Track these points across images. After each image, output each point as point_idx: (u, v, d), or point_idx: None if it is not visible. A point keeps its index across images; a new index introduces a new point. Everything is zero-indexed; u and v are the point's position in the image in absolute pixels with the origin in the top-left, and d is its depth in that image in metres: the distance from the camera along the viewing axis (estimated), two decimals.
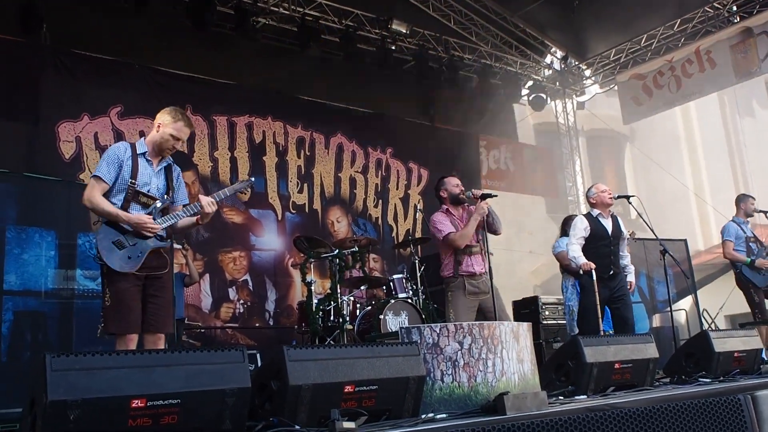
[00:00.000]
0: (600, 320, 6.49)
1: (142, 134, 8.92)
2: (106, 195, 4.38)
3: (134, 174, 4.41)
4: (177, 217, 4.52)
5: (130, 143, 4.57)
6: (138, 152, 4.48)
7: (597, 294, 6.41)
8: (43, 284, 6.68)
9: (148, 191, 4.47)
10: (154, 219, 4.43)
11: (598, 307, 6.44)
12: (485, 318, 5.82)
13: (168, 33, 9.28)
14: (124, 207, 4.38)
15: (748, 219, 8.38)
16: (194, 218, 4.60)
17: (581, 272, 6.52)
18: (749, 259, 8.02)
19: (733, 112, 19.03)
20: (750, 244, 8.15)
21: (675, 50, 12.00)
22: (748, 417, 3.61)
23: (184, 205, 4.61)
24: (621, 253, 6.78)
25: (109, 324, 4.27)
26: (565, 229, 7.76)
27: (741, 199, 8.44)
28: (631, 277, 6.83)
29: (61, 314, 6.76)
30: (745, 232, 8.19)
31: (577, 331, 7.16)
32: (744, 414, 3.61)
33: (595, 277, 6.43)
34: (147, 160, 4.51)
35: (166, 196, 4.56)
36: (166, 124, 4.53)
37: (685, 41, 11.89)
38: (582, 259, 6.50)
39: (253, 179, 5.11)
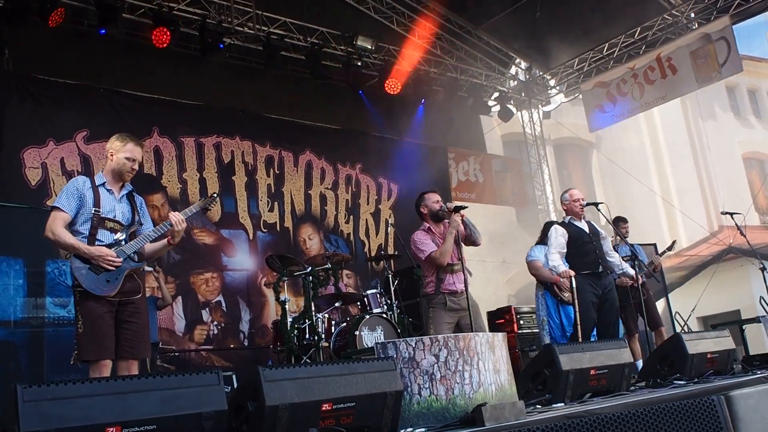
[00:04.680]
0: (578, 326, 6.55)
1: None
2: (72, 225, 4.39)
3: (97, 202, 4.44)
4: (147, 239, 4.54)
5: (88, 177, 4.61)
6: (97, 183, 4.53)
7: (575, 299, 6.48)
8: (12, 313, 6.58)
9: (114, 217, 4.50)
10: (124, 242, 4.44)
11: (578, 313, 6.50)
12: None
13: (132, 55, 9.23)
14: (92, 234, 4.38)
15: (626, 239, 8.51)
16: (165, 241, 4.62)
17: (570, 280, 6.59)
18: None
19: (696, 117, 19.35)
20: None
21: (637, 57, 12.18)
22: (722, 417, 3.65)
23: (155, 227, 4.61)
24: (608, 251, 6.87)
25: (83, 351, 4.24)
26: (543, 236, 7.77)
27: (615, 222, 8.57)
28: (631, 271, 6.92)
29: (31, 343, 6.66)
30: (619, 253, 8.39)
31: (548, 341, 7.20)
32: (718, 414, 3.65)
33: (575, 285, 6.49)
34: (107, 190, 4.55)
35: (132, 221, 4.58)
36: (117, 149, 4.58)
37: (646, 48, 12.08)
38: (561, 267, 6.57)
39: (216, 194, 5.11)
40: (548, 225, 7.75)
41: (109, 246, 4.40)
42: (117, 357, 4.33)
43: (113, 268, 4.31)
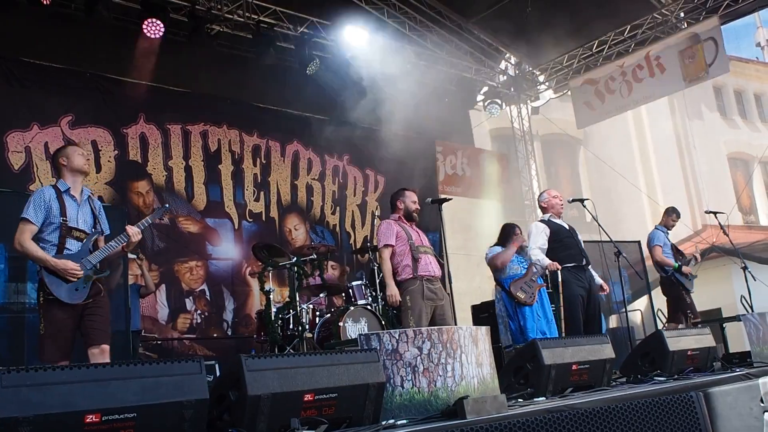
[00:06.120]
0: (561, 323, 6.57)
1: (94, 144, 8.79)
2: (41, 234, 4.60)
3: (63, 212, 4.65)
4: (109, 249, 4.77)
5: (52, 186, 4.81)
6: (62, 190, 4.73)
7: (560, 293, 6.52)
8: None
9: (78, 226, 4.74)
10: (90, 251, 4.69)
11: (561, 304, 6.54)
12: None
13: (120, 40, 9.15)
14: (61, 242, 4.61)
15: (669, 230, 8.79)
16: (120, 248, 4.84)
17: (547, 272, 6.64)
18: (677, 264, 8.35)
19: (683, 116, 19.45)
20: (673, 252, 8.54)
21: (626, 56, 12.23)
22: (700, 413, 3.68)
23: (114, 239, 4.81)
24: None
25: (44, 351, 4.48)
26: (502, 237, 7.40)
27: (667, 212, 8.88)
28: (599, 279, 6.97)
29: (11, 328, 6.59)
30: (669, 241, 8.59)
31: (510, 341, 7.12)
32: (697, 410, 3.68)
33: (560, 279, 6.54)
34: (71, 197, 4.75)
35: (94, 228, 4.82)
36: (63, 154, 4.84)
37: (635, 47, 12.12)
38: (546, 261, 6.61)
39: (168, 206, 5.41)
40: (507, 227, 7.48)
41: (76, 255, 4.61)
42: (88, 345, 4.60)
43: (75, 280, 4.54)
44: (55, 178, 7.39)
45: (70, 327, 4.56)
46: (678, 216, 8.86)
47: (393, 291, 5.91)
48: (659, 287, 8.83)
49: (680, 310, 8.41)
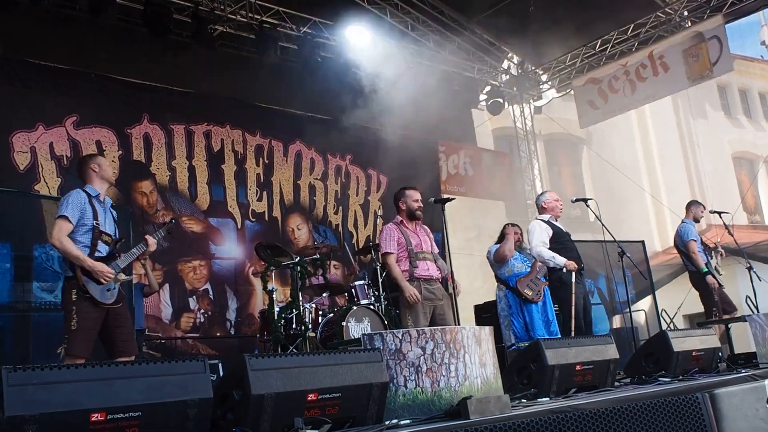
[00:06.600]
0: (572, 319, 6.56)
1: (98, 144, 8.80)
2: (74, 234, 4.84)
3: (95, 216, 4.93)
4: (133, 256, 5.16)
5: (81, 190, 5.05)
6: (92, 195, 5.01)
7: (573, 294, 6.51)
8: None
9: (106, 230, 5.03)
10: (118, 256, 5.02)
11: (573, 305, 6.52)
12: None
13: (124, 41, 9.17)
14: (93, 245, 4.88)
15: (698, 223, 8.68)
16: (138, 254, 5.22)
17: (564, 270, 6.61)
18: (705, 269, 8.19)
19: (687, 115, 19.40)
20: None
21: (629, 55, 12.21)
22: (706, 415, 3.67)
23: (136, 246, 5.23)
24: None
25: (74, 346, 4.68)
26: (502, 237, 7.38)
27: (693, 204, 8.74)
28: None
29: (17, 327, 6.62)
30: (698, 235, 8.43)
31: (513, 339, 7.09)
32: (702, 412, 3.67)
33: (574, 279, 6.53)
34: (99, 202, 5.06)
35: (115, 233, 5.13)
36: (98, 161, 5.20)
37: (638, 46, 12.11)
38: (562, 259, 6.58)
39: (173, 220, 5.94)
40: (505, 227, 7.49)
41: (106, 258, 4.92)
42: (117, 355, 4.85)
43: (105, 283, 4.82)
44: (61, 177, 7.45)
45: (99, 326, 4.82)
46: (704, 207, 8.76)
47: (410, 290, 5.89)
48: (663, 287, 8.79)
49: (708, 305, 8.29)
